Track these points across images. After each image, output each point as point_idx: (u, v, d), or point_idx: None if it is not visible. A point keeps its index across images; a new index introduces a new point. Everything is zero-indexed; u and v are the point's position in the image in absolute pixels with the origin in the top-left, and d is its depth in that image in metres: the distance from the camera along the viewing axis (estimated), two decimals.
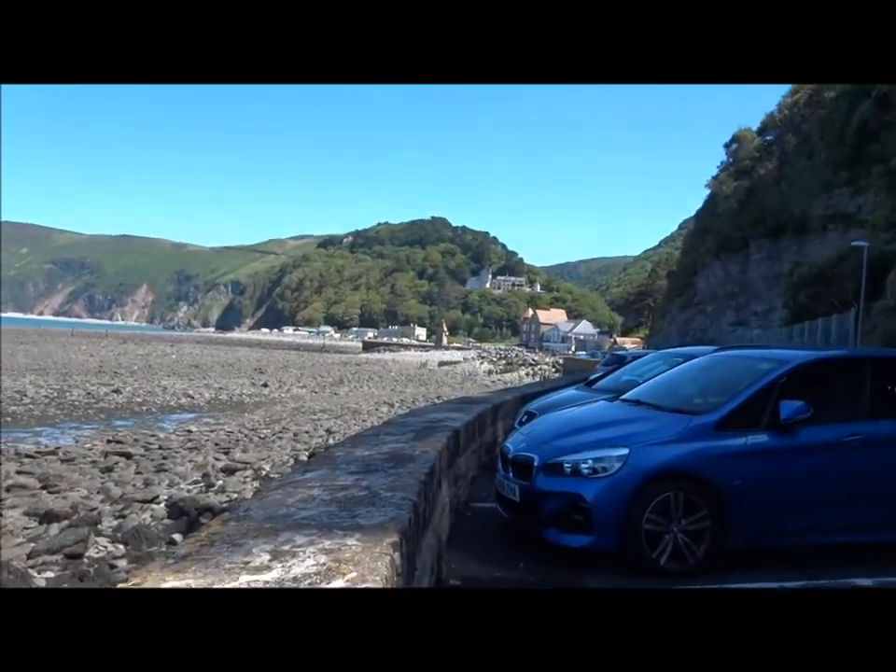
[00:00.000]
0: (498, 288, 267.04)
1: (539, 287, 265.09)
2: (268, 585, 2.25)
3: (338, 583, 2.28)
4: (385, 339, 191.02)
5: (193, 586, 2.23)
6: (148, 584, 2.25)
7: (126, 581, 2.29)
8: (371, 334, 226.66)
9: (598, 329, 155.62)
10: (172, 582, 2.25)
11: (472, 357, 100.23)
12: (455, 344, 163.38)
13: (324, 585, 2.27)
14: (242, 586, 2.25)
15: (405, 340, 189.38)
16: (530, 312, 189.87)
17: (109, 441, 19.38)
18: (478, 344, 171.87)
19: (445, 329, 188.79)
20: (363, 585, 2.29)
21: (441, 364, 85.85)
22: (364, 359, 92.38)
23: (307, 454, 17.92)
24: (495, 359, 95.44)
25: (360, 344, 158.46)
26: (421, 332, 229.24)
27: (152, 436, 20.85)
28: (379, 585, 2.31)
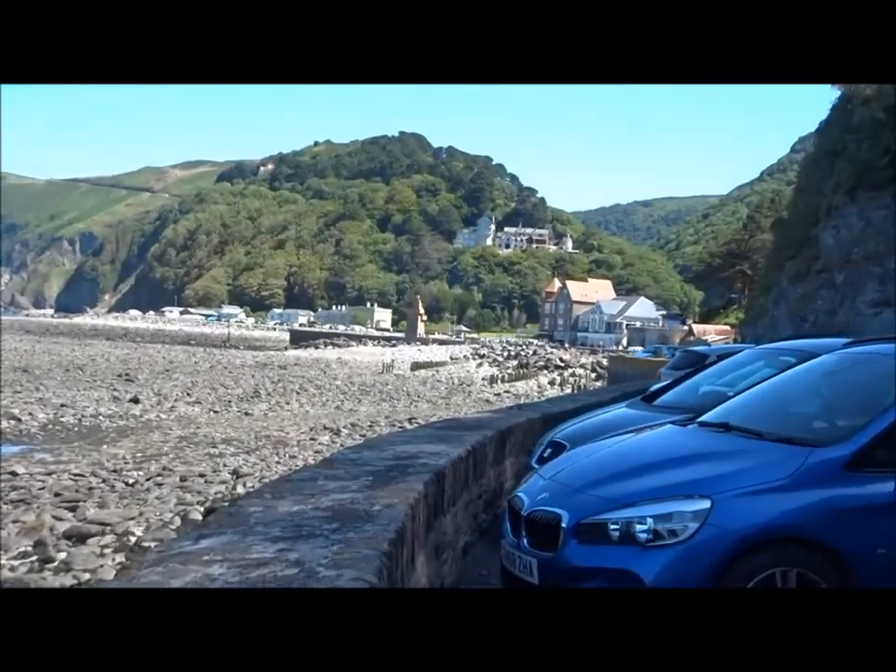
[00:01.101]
0: (507, 247, 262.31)
1: (570, 245, 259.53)
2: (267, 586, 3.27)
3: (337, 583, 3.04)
4: (328, 327, 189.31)
5: (190, 586, 3.24)
6: (146, 584, 3.28)
7: None
8: (303, 319, 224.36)
9: (663, 312, 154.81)
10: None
11: (465, 356, 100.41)
12: (437, 335, 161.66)
13: (320, 585, 3.26)
14: (240, 586, 3.23)
15: (358, 329, 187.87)
16: (557, 284, 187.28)
17: None
18: (473, 335, 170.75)
19: (422, 311, 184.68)
20: (359, 586, 3.28)
21: (416, 367, 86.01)
22: (293, 359, 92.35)
23: (202, 509, 17.94)
24: (500, 359, 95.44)
25: (287, 335, 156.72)
26: (384, 316, 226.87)
27: None
28: (374, 586, 3.34)
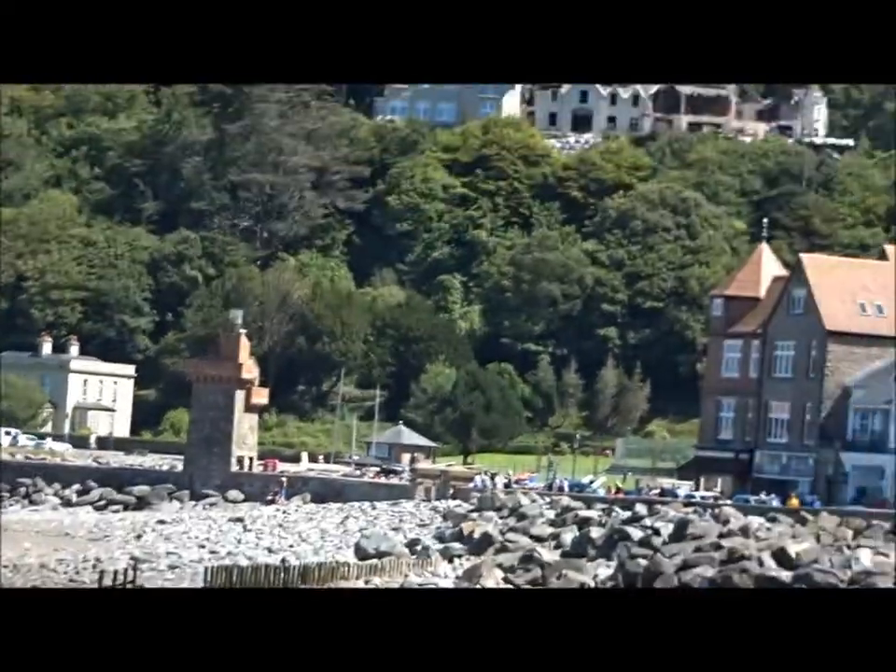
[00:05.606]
0: (576, 123, 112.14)
1: (821, 124, 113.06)
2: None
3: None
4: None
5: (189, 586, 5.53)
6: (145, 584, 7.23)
7: None
8: None
9: None
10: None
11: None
12: (309, 464, 72.53)
13: (332, 585, 7.54)
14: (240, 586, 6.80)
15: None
16: (766, 267, 68.45)
17: None
18: (449, 463, 71.16)
19: (250, 368, 71.09)
20: (367, 585, 7.81)
21: None
22: None
23: None
24: None
25: None
26: (77, 386, 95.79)
27: None
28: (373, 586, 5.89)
